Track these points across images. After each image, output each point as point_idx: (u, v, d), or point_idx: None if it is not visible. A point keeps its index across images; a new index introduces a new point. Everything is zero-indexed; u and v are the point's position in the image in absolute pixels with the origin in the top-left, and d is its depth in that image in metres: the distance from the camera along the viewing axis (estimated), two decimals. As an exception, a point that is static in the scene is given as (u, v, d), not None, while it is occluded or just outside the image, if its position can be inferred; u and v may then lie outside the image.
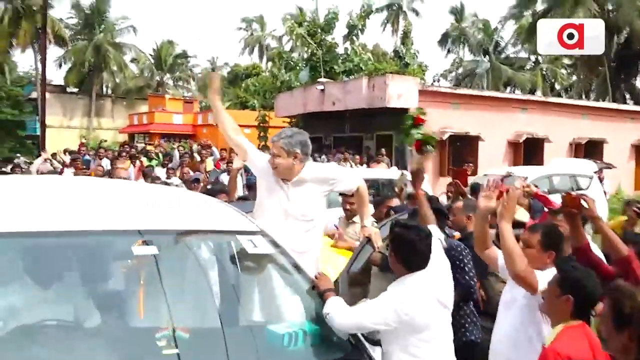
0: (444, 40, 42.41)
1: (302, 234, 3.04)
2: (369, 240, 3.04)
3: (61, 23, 35.62)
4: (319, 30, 20.40)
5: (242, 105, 33.73)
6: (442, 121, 15.08)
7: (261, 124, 22.13)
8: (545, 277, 2.58)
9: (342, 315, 2.26)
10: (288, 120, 21.87)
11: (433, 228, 2.81)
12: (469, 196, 5.45)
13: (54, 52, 43.94)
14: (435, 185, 12.86)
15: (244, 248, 2.33)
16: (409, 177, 7.16)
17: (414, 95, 14.78)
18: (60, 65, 39.17)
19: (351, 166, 12.99)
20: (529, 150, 16.94)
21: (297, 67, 21.65)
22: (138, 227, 2.09)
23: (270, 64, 34.96)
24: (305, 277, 2.42)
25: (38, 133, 28.68)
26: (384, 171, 10.88)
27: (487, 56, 38.79)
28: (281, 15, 52.36)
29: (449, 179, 11.20)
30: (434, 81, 32.82)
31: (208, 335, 2.07)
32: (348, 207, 4.59)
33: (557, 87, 38.78)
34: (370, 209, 3.41)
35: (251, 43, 49.75)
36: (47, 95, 34.25)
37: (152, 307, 2.03)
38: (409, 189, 6.84)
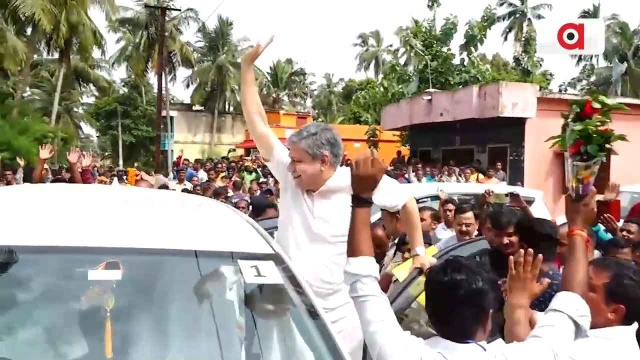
0: (573, 46, 39.06)
1: (332, 260, 2.38)
2: (420, 272, 2.37)
3: (189, 47, 38.32)
4: (435, 42, 19.52)
5: (355, 120, 33.58)
6: (566, 133, 13.53)
7: (371, 138, 21.76)
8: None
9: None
10: (398, 133, 21.19)
11: (571, 299, 1.74)
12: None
13: (182, 73, 47.52)
14: (555, 207, 11.41)
15: (242, 276, 1.83)
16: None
17: (532, 104, 13.43)
18: (187, 85, 42.20)
19: (457, 180, 12.08)
20: (674, 166, 14.70)
21: (410, 80, 20.94)
22: (100, 245, 1.69)
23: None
24: (322, 328, 1.75)
25: (166, 148, 31.10)
26: (491, 187, 9.84)
27: (624, 62, 34.99)
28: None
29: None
30: (560, 90, 30.14)
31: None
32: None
33: None
34: (421, 233, 2.66)
35: (367, 58, 49.77)
36: (175, 113, 37.34)
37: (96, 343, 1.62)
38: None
